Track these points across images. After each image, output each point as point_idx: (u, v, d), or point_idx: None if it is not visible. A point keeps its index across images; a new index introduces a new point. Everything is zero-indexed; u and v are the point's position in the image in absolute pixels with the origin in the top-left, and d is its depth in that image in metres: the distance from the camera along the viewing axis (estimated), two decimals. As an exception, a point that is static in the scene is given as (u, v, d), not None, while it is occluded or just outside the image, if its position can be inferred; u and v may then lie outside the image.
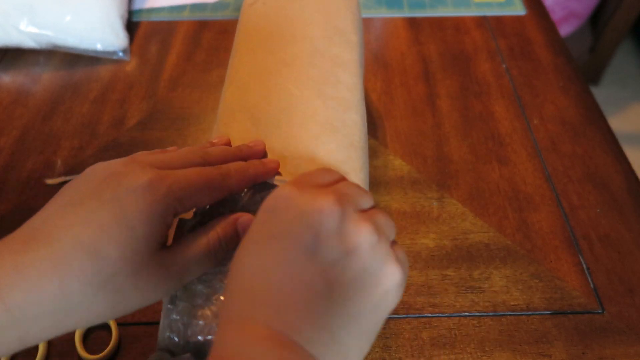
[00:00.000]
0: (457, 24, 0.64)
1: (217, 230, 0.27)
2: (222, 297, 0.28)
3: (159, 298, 0.25)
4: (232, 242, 0.28)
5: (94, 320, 0.24)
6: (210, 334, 0.27)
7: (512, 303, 0.39)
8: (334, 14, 0.42)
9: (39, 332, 0.22)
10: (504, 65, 0.58)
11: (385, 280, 0.23)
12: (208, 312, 0.27)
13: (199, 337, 0.27)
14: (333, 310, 0.22)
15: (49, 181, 0.47)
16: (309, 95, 0.36)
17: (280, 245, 0.22)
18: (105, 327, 0.38)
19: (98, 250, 0.23)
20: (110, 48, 0.59)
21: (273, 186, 0.31)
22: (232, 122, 0.35)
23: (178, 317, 0.27)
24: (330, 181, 0.26)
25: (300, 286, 0.22)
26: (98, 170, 0.25)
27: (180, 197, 0.25)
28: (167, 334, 0.27)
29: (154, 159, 0.27)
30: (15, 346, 0.22)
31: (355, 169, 0.33)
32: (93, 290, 0.23)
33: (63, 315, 0.22)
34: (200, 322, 0.27)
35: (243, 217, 0.28)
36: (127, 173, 0.25)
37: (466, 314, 0.38)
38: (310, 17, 0.41)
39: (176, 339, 0.27)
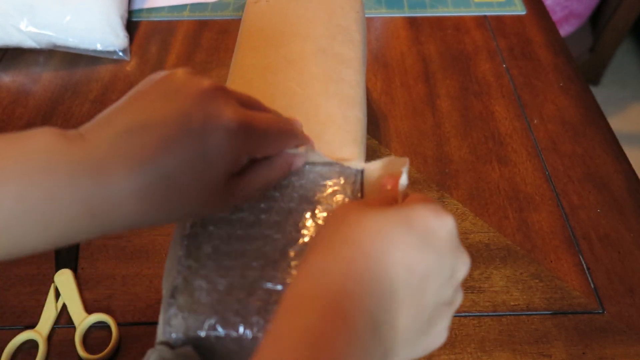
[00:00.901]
0: (457, 23, 0.64)
1: (276, 165, 0.29)
2: (223, 294, 0.28)
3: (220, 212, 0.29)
4: (284, 178, 0.31)
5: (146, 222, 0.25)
6: (210, 330, 0.27)
7: (512, 303, 0.39)
8: (338, 13, 0.42)
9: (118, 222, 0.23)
10: (504, 65, 0.58)
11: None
12: (208, 308, 0.27)
13: (199, 333, 0.27)
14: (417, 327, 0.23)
15: (49, 181, 0.47)
16: (311, 93, 0.36)
17: (438, 266, 0.23)
18: (105, 327, 0.38)
19: (175, 177, 0.23)
20: (110, 48, 0.59)
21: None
22: None
23: (178, 312, 0.27)
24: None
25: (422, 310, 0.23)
26: (184, 88, 0.25)
27: (259, 142, 0.27)
28: (167, 328, 0.27)
29: (237, 94, 0.27)
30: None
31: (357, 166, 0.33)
32: (165, 211, 0.24)
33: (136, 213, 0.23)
34: (200, 317, 0.27)
35: (298, 159, 0.31)
36: (215, 107, 0.25)
37: (466, 313, 0.38)
38: (313, 15, 0.41)
39: (175, 334, 0.27)
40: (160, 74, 0.26)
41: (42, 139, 0.22)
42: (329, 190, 0.33)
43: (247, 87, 0.37)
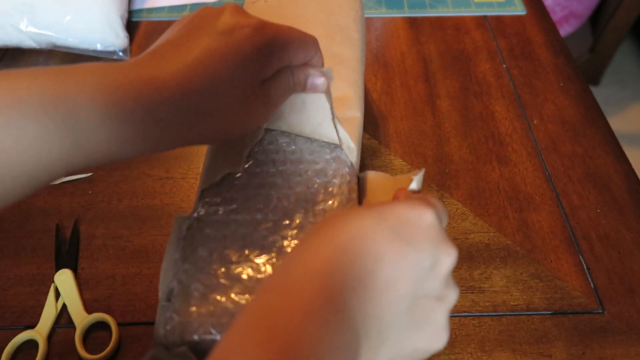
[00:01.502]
0: (457, 24, 0.64)
1: (298, 74, 0.30)
2: (219, 297, 0.28)
3: (260, 124, 0.31)
4: (303, 88, 0.32)
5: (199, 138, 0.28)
6: (205, 334, 0.27)
7: (512, 303, 0.39)
8: (336, 12, 0.42)
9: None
10: (504, 65, 0.58)
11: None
12: (204, 311, 0.27)
13: (195, 337, 0.27)
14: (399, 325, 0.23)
15: (49, 181, 0.47)
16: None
17: (413, 256, 0.23)
18: (105, 327, 0.38)
19: (213, 70, 0.26)
20: (110, 48, 0.59)
21: None
22: None
23: (174, 315, 0.27)
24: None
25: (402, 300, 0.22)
26: (206, 10, 0.28)
27: (283, 45, 0.28)
28: (163, 332, 0.27)
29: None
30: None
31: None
32: (204, 111, 0.26)
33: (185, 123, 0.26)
34: (196, 321, 0.27)
35: (315, 73, 0.31)
36: (236, 14, 0.28)
37: (466, 313, 0.38)
38: (312, 16, 0.41)
39: (172, 337, 0.27)
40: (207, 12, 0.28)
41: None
42: (326, 190, 0.33)
43: None
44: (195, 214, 0.31)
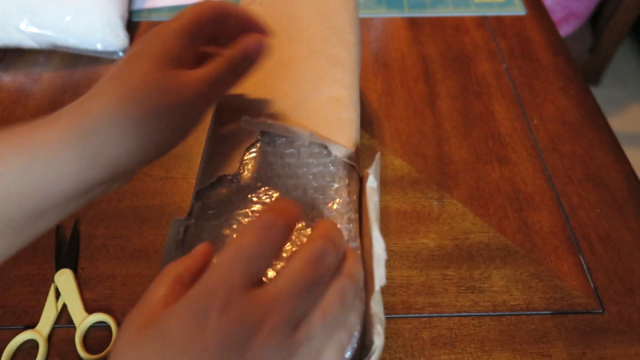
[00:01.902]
0: (457, 24, 0.64)
1: (227, 54, 0.30)
2: None
3: (188, 126, 0.30)
4: (242, 66, 0.31)
5: (130, 158, 0.27)
6: None
7: (512, 303, 0.39)
8: (331, 14, 0.41)
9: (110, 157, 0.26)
10: (504, 65, 0.58)
11: None
12: None
13: None
14: None
15: (49, 181, 0.47)
16: (305, 96, 0.36)
17: None
18: (105, 327, 0.38)
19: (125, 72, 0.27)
20: (111, 48, 0.59)
21: None
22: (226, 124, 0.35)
23: None
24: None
25: None
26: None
27: (202, 22, 0.29)
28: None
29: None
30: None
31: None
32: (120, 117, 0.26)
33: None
34: None
35: (253, 39, 0.31)
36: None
37: (466, 313, 0.38)
38: (307, 17, 0.41)
39: None
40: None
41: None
42: (325, 193, 0.32)
43: (240, 90, 0.37)
44: (192, 218, 0.31)
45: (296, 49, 0.39)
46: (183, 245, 0.30)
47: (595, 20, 1.41)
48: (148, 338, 0.22)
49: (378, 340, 0.25)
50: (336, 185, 0.33)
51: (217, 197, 0.32)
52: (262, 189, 0.33)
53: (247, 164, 0.34)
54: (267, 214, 0.24)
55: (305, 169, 0.33)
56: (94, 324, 0.38)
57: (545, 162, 0.48)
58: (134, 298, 0.39)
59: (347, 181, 0.33)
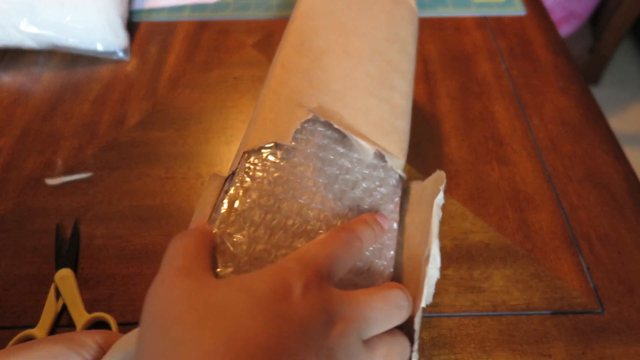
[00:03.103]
0: (457, 24, 0.64)
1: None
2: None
3: None
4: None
5: None
6: None
7: (512, 303, 0.39)
8: (398, 22, 0.40)
9: None
10: (504, 66, 0.58)
11: None
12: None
13: None
14: None
15: (49, 181, 0.47)
16: (363, 92, 0.35)
17: None
18: (105, 327, 0.38)
19: None
20: (111, 48, 0.59)
21: None
22: (274, 105, 0.33)
23: None
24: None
25: None
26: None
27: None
28: None
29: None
30: None
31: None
32: None
33: None
34: None
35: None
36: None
37: (466, 313, 0.38)
38: (375, 16, 0.40)
39: None
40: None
41: None
42: (371, 195, 0.32)
43: (301, 59, 0.35)
44: (239, 178, 0.30)
45: (361, 42, 0.37)
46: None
47: (595, 20, 1.41)
48: (228, 289, 0.22)
49: (416, 357, 0.26)
50: (384, 191, 0.32)
51: (265, 163, 0.31)
52: (309, 171, 0.31)
53: (298, 138, 0.32)
54: (352, 231, 0.27)
55: (354, 164, 0.32)
56: (93, 324, 0.38)
57: (545, 162, 0.48)
58: (134, 298, 0.39)
59: (395, 190, 0.32)
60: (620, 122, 1.49)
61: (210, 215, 0.28)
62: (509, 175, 0.47)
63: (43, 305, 0.38)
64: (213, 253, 0.26)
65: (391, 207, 0.31)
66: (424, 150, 0.49)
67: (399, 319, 0.25)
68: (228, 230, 0.27)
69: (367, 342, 0.24)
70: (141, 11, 0.66)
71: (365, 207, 0.31)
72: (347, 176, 0.32)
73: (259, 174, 0.30)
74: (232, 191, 0.29)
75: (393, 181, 0.33)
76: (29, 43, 0.58)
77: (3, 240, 0.43)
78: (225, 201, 0.28)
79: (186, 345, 0.20)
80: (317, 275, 0.23)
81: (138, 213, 0.45)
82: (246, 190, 0.29)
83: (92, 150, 0.50)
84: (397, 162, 0.33)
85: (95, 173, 0.48)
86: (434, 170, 0.47)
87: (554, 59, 0.59)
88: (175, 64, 0.59)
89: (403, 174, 0.33)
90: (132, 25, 0.64)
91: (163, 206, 0.45)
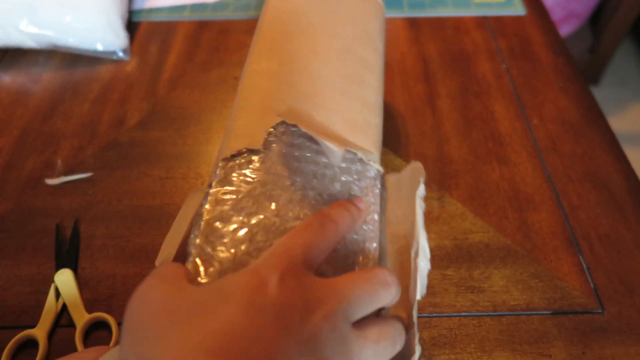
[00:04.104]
0: (457, 24, 0.64)
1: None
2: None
3: None
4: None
5: None
6: None
7: (512, 303, 0.39)
8: (365, 18, 0.41)
9: None
10: (504, 65, 0.58)
11: None
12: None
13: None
14: None
15: (49, 181, 0.47)
16: (334, 90, 0.35)
17: None
18: (105, 327, 0.38)
19: None
20: (111, 48, 0.59)
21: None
22: (248, 106, 0.34)
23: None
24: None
25: None
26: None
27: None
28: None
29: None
30: None
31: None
32: None
33: None
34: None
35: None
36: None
37: (466, 313, 0.38)
38: (341, 15, 0.40)
39: None
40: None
41: None
42: (350, 185, 0.31)
43: (269, 64, 0.36)
44: (215, 189, 0.30)
45: (330, 43, 0.37)
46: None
47: (595, 20, 1.41)
48: (203, 291, 0.22)
49: (418, 352, 0.26)
50: (362, 184, 0.32)
51: (240, 170, 0.31)
52: (286, 172, 0.31)
53: (271, 142, 0.32)
54: (325, 215, 0.26)
55: (331, 163, 0.32)
56: (93, 324, 0.38)
57: (545, 162, 0.48)
58: (134, 298, 0.39)
59: (374, 182, 0.32)
60: (620, 122, 1.49)
61: (185, 234, 0.28)
62: (509, 175, 0.47)
63: (43, 305, 0.38)
64: (196, 266, 0.26)
65: (371, 200, 0.31)
66: (424, 150, 0.49)
67: (387, 296, 0.25)
68: (210, 239, 0.27)
69: (358, 325, 0.24)
70: (141, 11, 0.66)
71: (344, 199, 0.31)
72: (326, 171, 0.31)
73: (235, 180, 0.30)
74: (209, 200, 0.29)
75: (371, 173, 0.32)
76: (29, 43, 0.58)
77: (3, 240, 0.43)
78: (204, 212, 0.28)
79: (158, 344, 0.20)
80: (291, 266, 0.23)
81: (138, 213, 0.45)
82: (223, 199, 0.29)
83: (92, 150, 0.50)
84: (372, 157, 0.33)
85: (95, 173, 0.48)
86: (434, 170, 0.48)
87: (554, 59, 0.59)
88: (175, 64, 0.59)
89: (380, 168, 0.33)
90: (132, 25, 0.64)
91: (163, 206, 0.45)
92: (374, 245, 0.30)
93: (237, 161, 0.31)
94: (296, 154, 0.32)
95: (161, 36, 0.63)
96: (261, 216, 0.28)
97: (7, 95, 0.56)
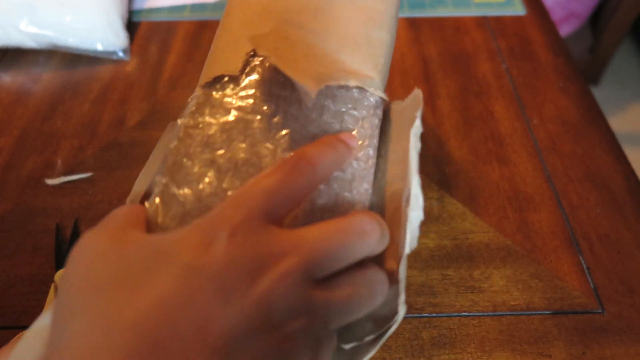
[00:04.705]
0: (457, 24, 0.64)
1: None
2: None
3: None
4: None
5: None
6: None
7: (512, 303, 0.39)
8: None
9: None
10: (504, 65, 0.58)
11: None
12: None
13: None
14: None
15: (49, 181, 0.47)
16: (331, 10, 0.30)
17: None
18: (105, 327, 0.38)
19: None
20: (111, 48, 0.59)
21: None
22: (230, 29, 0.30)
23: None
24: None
25: None
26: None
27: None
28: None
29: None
30: None
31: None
32: None
33: None
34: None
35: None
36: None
37: (466, 313, 0.38)
38: None
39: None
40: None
41: None
42: (342, 115, 0.27)
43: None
44: (186, 120, 0.27)
45: None
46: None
47: (595, 20, 1.41)
48: (142, 251, 0.19)
49: (402, 311, 0.22)
50: (357, 114, 0.27)
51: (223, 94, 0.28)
52: (272, 98, 0.27)
53: (254, 67, 0.28)
54: (301, 155, 0.22)
55: (325, 88, 0.27)
56: (94, 324, 0.38)
57: (545, 162, 0.48)
58: (134, 298, 0.39)
59: (373, 111, 0.28)
60: (620, 122, 1.49)
61: (157, 171, 0.26)
62: (509, 175, 0.47)
63: (43, 305, 0.38)
64: (157, 207, 0.24)
65: (368, 132, 0.27)
66: (424, 150, 0.49)
67: (366, 247, 0.21)
68: (175, 177, 0.25)
69: (326, 282, 0.20)
70: (141, 11, 0.66)
71: (334, 133, 0.26)
72: (315, 99, 0.27)
73: (207, 111, 0.27)
74: (178, 135, 0.26)
75: (371, 101, 0.28)
76: (29, 43, 0.58)
77: (3, 240, 0.43)
78: (173, 147, 0.26)
79: (73, 319, 0.18)
80: (247, 218, 0.20)
81: (138, 213, 0.45)
82: (192, 134, 0.26)
83: (92, 150, 0.50)
84: (373, 83, 0.28)
85: (95, 173, 0.48)
86: (434, 170, 0.48)
87: (554, 59, 0.59)
88: (175, 64, 0.59)
89: (382, 95, 0.28)
90: (132, 25, 0.64)
91: (163, 206, 0.45)
92: (365, 186, 0.25)
93: (212, 90, 0.27)
94: (282, 80, 0.28)
95: (161, 36, 0.63)
96: (233, 153, 0.25)
97: (7, 95, 0.56)
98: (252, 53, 0.29)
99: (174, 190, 0.24)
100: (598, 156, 0.49)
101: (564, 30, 1.33)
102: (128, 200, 0.26)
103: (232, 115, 0.26)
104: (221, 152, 0.25)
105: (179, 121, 0.27)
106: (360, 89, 0.28)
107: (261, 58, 0.28)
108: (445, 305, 0.39)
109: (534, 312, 0.38)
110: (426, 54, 0.60)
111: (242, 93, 0.27)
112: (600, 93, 1.53)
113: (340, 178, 0.25)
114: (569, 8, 1.28)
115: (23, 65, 0.60)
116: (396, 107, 0.29)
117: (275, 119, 0.26)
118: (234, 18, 0.31)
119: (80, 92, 0.56)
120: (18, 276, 0.41)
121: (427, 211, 0.44)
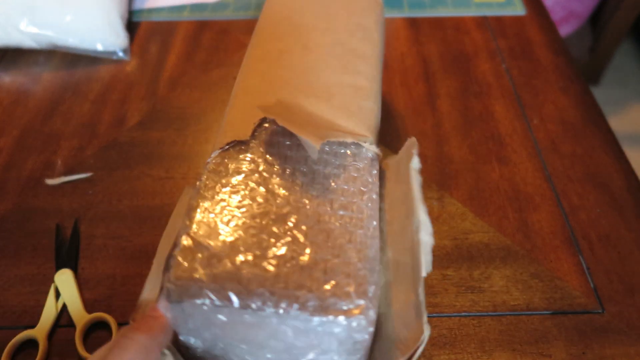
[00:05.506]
0: (457, 24, 0.64)
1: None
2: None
3: None
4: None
5: None
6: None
7: (512, 303, 0.39)
8: (358, 12, 0.42)
9: None
10: (504, 65, 0.58)
11: None
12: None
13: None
14: None
15: (49, 181, 0.47)
16: (326, 80, 0.36)
17: None
18: (105, 327, 0.38)
19: None
20: (111, 48, 0.59)
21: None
22: (240, 102, 0.35)
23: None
24: None
25: None
26: None
27: None
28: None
29: None
30: None
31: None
32: None
33: None
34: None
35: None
36: None
37: (466, 313, 0.38)
38: (335, 11, 0.41)
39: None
40: None
41: None
42: (345, 167, 0.32)
43: (260, 64, 0.37)
44: (204, 183, 0.31)
45: (321, 38, 0.39)
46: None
47: (595, 20, 1.41)
48: None
49: (427, 331, 0.25)
50: (359, 165, 0.32)
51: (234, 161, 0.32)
52: (280, 158, 0.31)
53: (262, 133, 0.33)
54: (124, 337, 0.25)
55: (327, 146, 0.32)
56: (93, 324, 0.38)
57: (545, 162, 0.48)
58: (134, 298, 0.39)
59: (372, 163, 0.32)
60: (620, 122, 1.49)
61: (179, 231, 0.28)
62: (509, 175, 0.47)
63: (43, 305, 0.38)
64: (185, 254, 0.26)
65: (369, 180, 0.31)
66: (424, 150, 0.49)
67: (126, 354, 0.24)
68: (199, 227, 0.28)
69: None
70: (141, 11, 0.66)
71: (339, 181, 0.31)
72: (320, 155, 0.32)
73: (223, 171, 0.31)
74: (199, 192, 0.30)
75: (369, 154, 0.33)
76: (29, 43, 0.58)
77: (3, 240, 0.43)
78: (194, 203, 0.29)
79: None
80: None
81: (138, 213, 0.45)
82: (212, 189, 0.30)
83: (92, 150, 0.50)
84: (368, 140, 0.33)
85: (95, 173, 0.48)
86: (434, 170, 0.48)
87: (554, 59, 0.59)
88: (175, 64, 0.59)
89: (376, 150, 0.33)
90: (132, 25, 0.64)
91: (163, 206, 0.45)
92: (374, 223, 0.30)
93: (226, 154, 0.32)
94: (287, 142, 0.32)
95: (161, 36, 0.63)
96: (250, 203, 0.29)
97: (7, 95, 0.56)
98: (260, 122, 0.33)
99: (201, 239, 0.27)
100: (598, 156, 0.49)
101: (564, 30, 1.33)
102: (141, 297, 0.29)
103: (247, 172, 0.31)
104: (239, 203, 0.29)
105: (200, 182, 0.31)
106: (357, 144, 0.33)
107: (267, 125, 0.33)
108: (445, 305, 0.39)
109: (534, 312, 0.38)
110: (426, 54, 0.60)
111: (254, 154, 0.31)
112: (600, 93, 1.53)
113: (353, 217, 0.29)
114: (569, 8, 1.28)
115: (23, 65, 0.60)
116: (390, 161, 0.34)
117: (285, 174, 0.31)
118: (243, 92, 0.36)
119: (80, 92, 0.56)
120: (18, 276, 0.41)
121: (427, 211, 0.44)
